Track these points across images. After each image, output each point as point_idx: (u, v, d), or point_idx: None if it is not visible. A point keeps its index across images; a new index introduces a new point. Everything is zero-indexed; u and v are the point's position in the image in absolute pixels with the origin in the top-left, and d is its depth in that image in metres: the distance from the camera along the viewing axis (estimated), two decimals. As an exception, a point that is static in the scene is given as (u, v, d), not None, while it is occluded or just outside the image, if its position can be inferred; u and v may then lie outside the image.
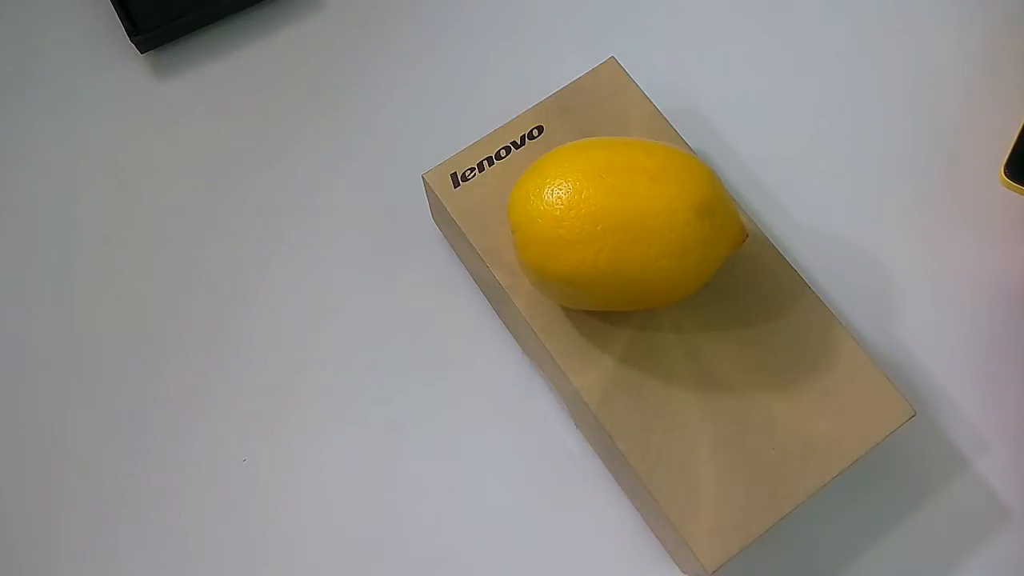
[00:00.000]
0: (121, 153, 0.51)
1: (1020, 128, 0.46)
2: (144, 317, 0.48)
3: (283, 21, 0.55)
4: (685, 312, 0.42)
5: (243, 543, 0.43)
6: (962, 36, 0.54)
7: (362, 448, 0.45)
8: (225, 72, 0.53)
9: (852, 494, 0.44)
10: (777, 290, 0.42)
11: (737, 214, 0.39)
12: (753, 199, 0.50)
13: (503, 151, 0.45)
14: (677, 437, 0.39)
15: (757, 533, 0.38)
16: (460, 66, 0.54)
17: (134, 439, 0.45)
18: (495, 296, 0.45)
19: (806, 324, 0.41)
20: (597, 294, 0.38)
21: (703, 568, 0.38)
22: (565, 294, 0.38)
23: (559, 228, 0.36)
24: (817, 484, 0.38)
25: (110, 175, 0.51)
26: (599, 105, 0.46)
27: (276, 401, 0.46)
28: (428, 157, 0.50)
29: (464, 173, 0.44)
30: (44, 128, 0.52)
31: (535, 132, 0.45)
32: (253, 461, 0.45)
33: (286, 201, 0.50)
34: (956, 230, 0.49)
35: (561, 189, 0.37)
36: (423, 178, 0.45)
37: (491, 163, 0.44)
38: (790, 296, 0.42)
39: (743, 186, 0.51)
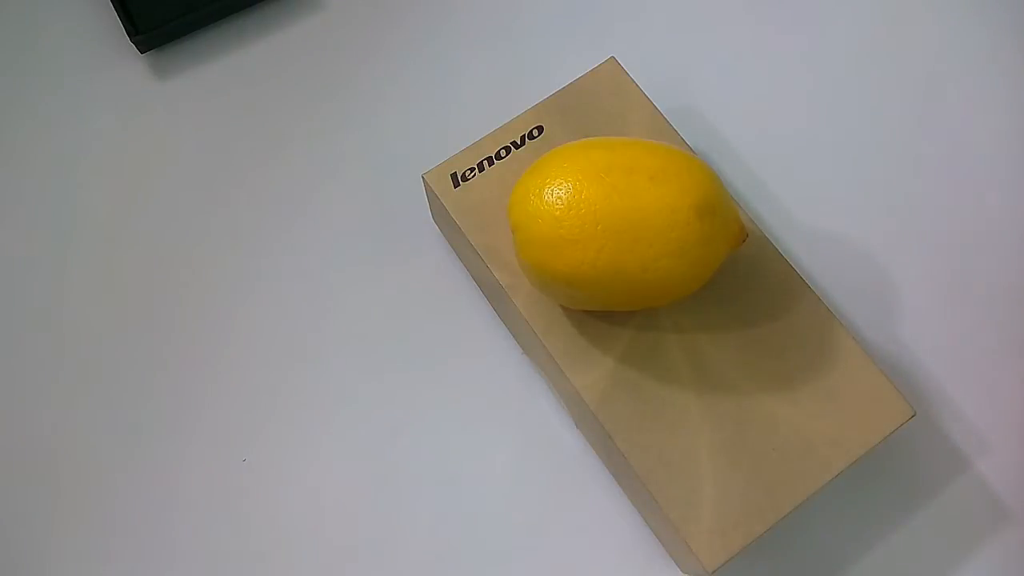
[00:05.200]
0: (121, 153, 0.51)
1: None
2: (144, 316, 0.48)
3: (283, 21, 0.55)
4: (685, 312, 0.42)
5: (243, 543, 0.43)
6: (963, 35, 0.54)
7: (362, 448, 0.45)
8: (225, 72, 0.53)
9: (852, 494, 0.44)
10: (777, 290, 0.42)
11: (737, 214, 0.39)
12: (753, 199, 0.50)
13: (503, 151, 0.45)
14: (677, 437, 0.39)
15: (757, 533, 0.38)
16: (460, 66, 0.54)
17: (134, 439, 0.45)
18: (495, 296, 0.45)
19: (806, 324, 0.41)
20: (597, 294, 0.38)
21: (703, 568, 0.38)
22: (565, 294, 0.38)
23: (559, 228, 0.36)
24: (817, 484, 0.38)
25: (110, 175, 0.51)
26: (599, 105, 0.46)
27: (276, 401, 0.46)
28: (428, 157, 0.50)
29: (464, 173, 0.44)
30: (44, 128, 0.52)
31: (535, 132, 0.45)
32: (253, 461, 0.45)
33: (286, 201, 0.50)
34: (955, 230, 0.49)
35: (561, 189, 0.37)
36: (423, 178, 0.45)
37: (491, 163, 0.44)
38: (790, 296, 0.42)
39: (743, 186, 0.51)
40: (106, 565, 0.43)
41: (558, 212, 0.36)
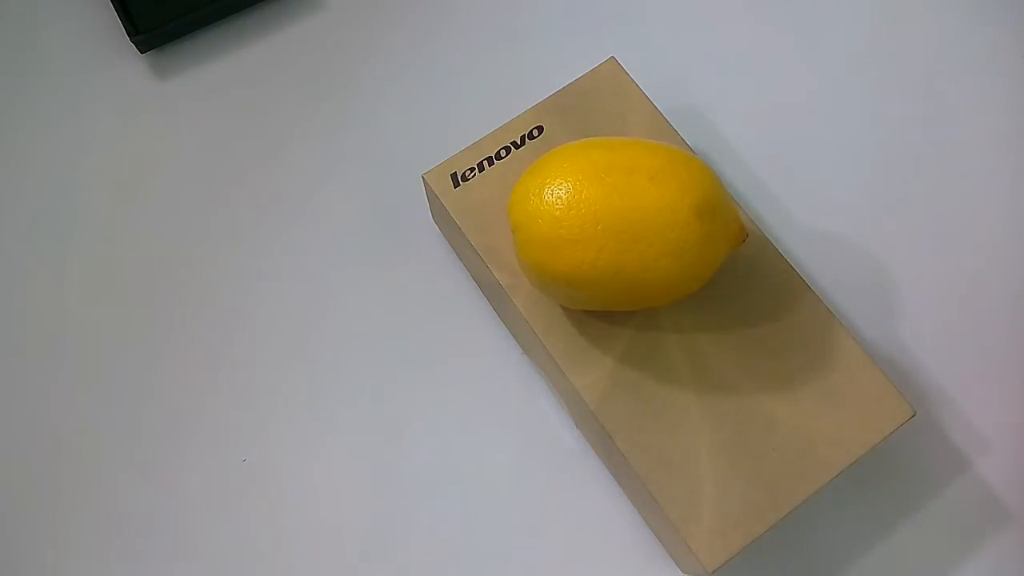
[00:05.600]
0: (121, 153, 0.51)
1: None
2: (144, 316, 0.48)
3: (283, 21, 0.55)
4: (685, 312, 0.42)
5: (243, 543, 0.43)
6: (963, 35, 0.54)
7: (362, 448, 0.45)
8: (225, 72, 0.53)
9: (852, 494, 0.44)
10: (777, 290, 0.42)
11: (737, 214, 0.39)
12: (753, 199, 0.50)
13: (503, 151, 0.45)
14: (677, 437, 0.39)
15: (757, 533, 0.38)
16: (460, 66, 0.54)
17: (134, 439, 0.45)
18: (495, 296, 0.45)
19: (806, 324, 0.41)
20: (597, 294, 0.38)
21: (703, 568, 0.38)
22: (565, 294, 0.38)
23: (559, 228, 0.36)
24: (817, 484, 0.38)
25: (110, 175, 0.51)
26: (599, 105, 0.46)
27: (276, 401, 0.46)
28: (428, 157, 0.50)
29: (464, 173, 0.44)
30: (44, 128, 0.52)
31: (535, 132, 0.45)
32: (253, 461, 0.45)
33: (286, 201, 0.50)
34: (956, 229, 0.49)
35: (561, 189, 0.37)
36: (423, 178, 0.45)
37: (491, 163, 0.44)
38: (790, 296, 0.42)
39: (743, 186, 0.51)
40: (106, 565, 0.43)
41: (558, 212, 0.36)
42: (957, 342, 0.47)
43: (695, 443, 0.39)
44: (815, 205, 0.50)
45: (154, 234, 0.50)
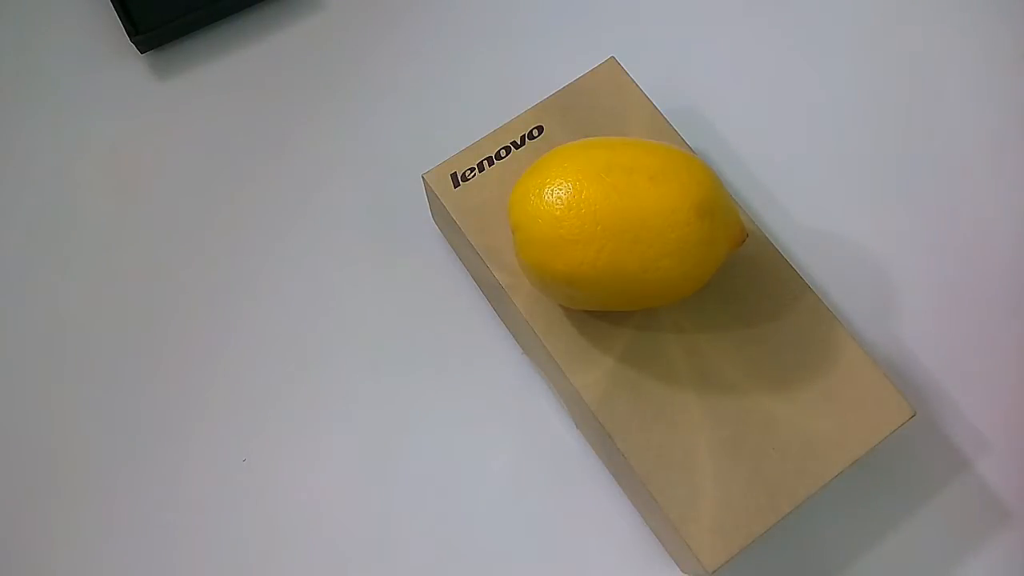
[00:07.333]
0: (121, 153, 0.51)
1: None
2: (144, 317, 0.48)
3: (283, 21, 0.55)
4: (685, 312, 0.42)
5: (243, 543, 0.43)
6: (962, 35, 0.54)
7: (362, 448, 0.45)
8: (225, 72, 0.53)
9: (852, 494, 0.44)
10: (777, 290, 0.42)
11: (737, 214, 0.39)
12: (753, 199, 0.50)
13: (503, 151, 0.45)
14: (677, 437, 0.39)
15: (757, 533, 0.38)
16: (460, 66, 0.54)
17: (134, 439, 0.45)
18: (495, 296, 0.45)
19: (806, 324, 0.41)
20: (597, 294, 0.38)
21: (703, 568, 0.38)
22: (565, 294, 0.38)
23: (559, 228, 0.36)
24: (817, 484, 0.38)
25: (110, 175, 0.51)
26: (599, 105, 0.46)
27: (276, 401, 0.46)
28: (428, 157, 0.50)
29: (464, 173, 0.44)
30: (44, 128, 0.52)
31: (535, 132, 0.45)
32: (253, 461, 0.45)
33: (286, 201, 0.50)
34: (956, 229, 0.49)
35: (561, 189, 0.37)
36: (423, 178, 0.45)
37: (491, 163, 0.44)
38: (790, 296, 0.42)
39: (743, 186, 0.51)
40: (106, 565, 0.43)
41: (558, 212, 0.36)
42: (957, 342, 0.47)
43: (695, 443, 0.39)
44: (815, 205, 0.50)
45: (153, 234, 0.50)
